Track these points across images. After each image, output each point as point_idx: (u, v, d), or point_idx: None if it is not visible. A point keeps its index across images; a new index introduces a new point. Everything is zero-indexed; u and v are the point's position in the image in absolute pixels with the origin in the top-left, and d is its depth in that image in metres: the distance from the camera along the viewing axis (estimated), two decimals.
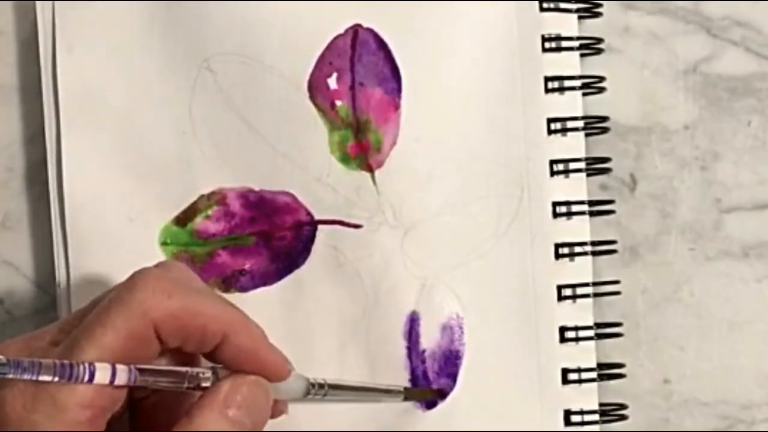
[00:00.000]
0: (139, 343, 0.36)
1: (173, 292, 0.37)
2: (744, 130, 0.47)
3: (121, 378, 0.35)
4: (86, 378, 0.34)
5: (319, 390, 0.41)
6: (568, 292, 0.46)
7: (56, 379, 0.34)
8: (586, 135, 0.47)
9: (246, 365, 0.38)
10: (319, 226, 0.46)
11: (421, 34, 0.46)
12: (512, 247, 0.46)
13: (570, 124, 0.46)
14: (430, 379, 0.46)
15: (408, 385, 0.46)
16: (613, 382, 0.47)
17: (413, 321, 0.46)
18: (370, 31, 0.46)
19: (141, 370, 0.35)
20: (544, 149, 0.46)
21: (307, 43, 0.46)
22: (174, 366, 0.37)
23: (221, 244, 0.46)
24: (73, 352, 0.35)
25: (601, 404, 0.46)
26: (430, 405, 0.46)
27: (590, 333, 0.46)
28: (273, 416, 0.41)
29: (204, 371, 0.37)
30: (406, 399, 0.45)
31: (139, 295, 0.36)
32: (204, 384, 0.37)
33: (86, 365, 0.34)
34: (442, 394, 0.46)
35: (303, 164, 0.46)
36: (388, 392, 0.45)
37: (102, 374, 0.34)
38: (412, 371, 0.46)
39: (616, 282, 0.47)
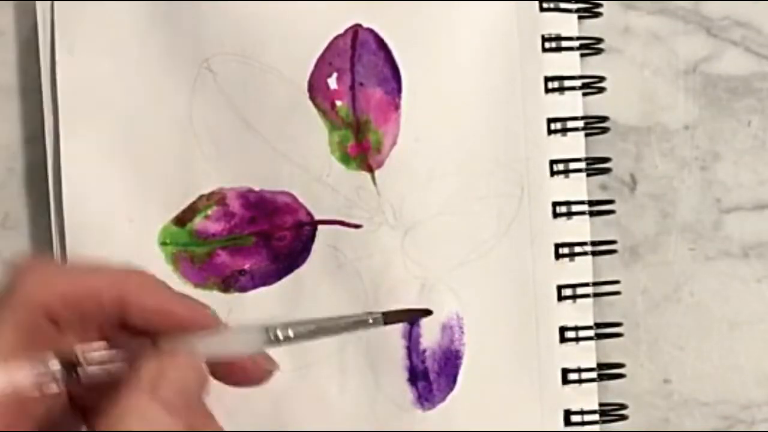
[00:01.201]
0: (32, 333, 0.34)
1: (56, 272, 0.35)
2: (744, 130, 0.47)
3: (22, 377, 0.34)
4: None
5: (283, 333, 0.37)
6: (568, 292, 0.46)
7: None
8: (586, 135, 0.47)
9: (160, 325, 0.36)
10: (319, 226, 0.46)
11: (421, 34, 0.46)
12: (512, 247, 0.46)
13: (570, 124, 0.46)
14: (431, 379, 0.46)
15: (407, 383, 0.46)
16: (613, 382, 0.47)
17: (413, 321, 0.46)
18: (370, 31, 0.46)
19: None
20: (544, 149, 0.46)
21: (307, 43, 0.46)
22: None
23: (221, 244, 0.46)
24: None
25: (601, 404, 0.46)
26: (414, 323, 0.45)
27: (590, 333, 0.46)
28: (255, 382, 0.39)
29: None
30: (387, 323, 0.39)
31: (21, 284, 0.35)
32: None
33: None
34: (427, 312, 0.42)
35: (303, 164, 0.46)
36: (363, 323, 0.39)
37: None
38: (412, 371, 0.46)
39: (616, 282, 0.47)
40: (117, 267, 0.37)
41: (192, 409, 0.36)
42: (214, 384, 0.46)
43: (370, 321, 0.39)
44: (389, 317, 0.39)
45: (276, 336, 0.37)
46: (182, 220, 0.46)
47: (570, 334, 0.46)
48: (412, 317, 0.44)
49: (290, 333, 0.37)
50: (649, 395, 0.47)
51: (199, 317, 0.37)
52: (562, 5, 0.46)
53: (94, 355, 0.35)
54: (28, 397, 0.34)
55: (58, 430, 0.36)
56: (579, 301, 0.46)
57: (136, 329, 0.36)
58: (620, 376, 0.46)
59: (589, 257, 0.46)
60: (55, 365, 0.35)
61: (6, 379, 0.33)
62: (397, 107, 0.46)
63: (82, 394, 0.37)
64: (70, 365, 0.35)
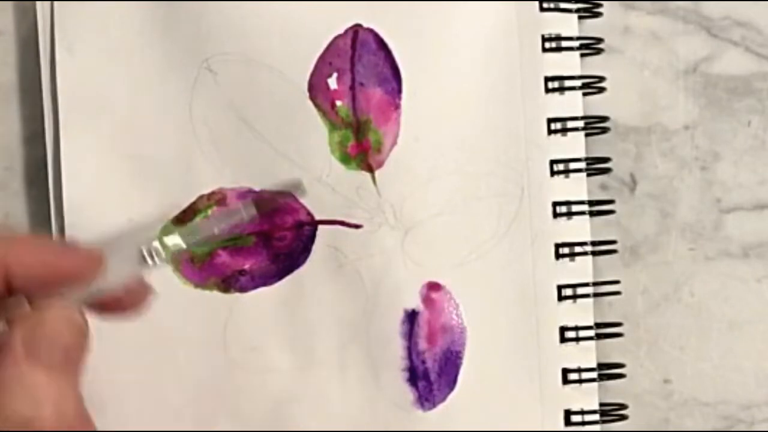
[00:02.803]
0: None
1: None
2: (744, 130, 0.47)
3: None
4: None
5: (156, 257, 0.37)
6: (568, 292, 0.46)
7: None
8: (586, 135, 0.47)
9: (49, 282, 0.35)
10: (320, 226, 0.46)
11: (421, 34, 0.46)
12: (512, 247, 0.46)
13: (570, 124, 0.46)
14: (431, 379, 0.46)
15: (407, 383, 0.46)
16: (613, 382, 0.47)
17: (413, 321, 0.46)
18: (370, 31, 0.46)
19: None
20: (544, 149, 0.46)
21: (308, 43, 0.46)
22: None
23: (221, 244, 0.46)
24: None
25: (601, 404, 0.46)
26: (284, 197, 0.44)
27: (590, 333, 0.46)
28: (133, 307, 0.38)
29: None
30: (260, 210, 0.40)
31: None
32: None
33: None
34: (298, 185, 0.43)
35: (303, 164, 0.46)
36: (234, 214, 0.40)
37: None
38: (412, 371, 0.46)
39: (616, 282, 0.47)
40: None
41: (74, 363, 0.35)
42: (214, 384, 0.46)
43: (243, 213, 0.39)
44: (260, 205, 0.40)
45: (150, 254, 0.36)
46: (182, 220, 0.46)
47: (570, 334, 0.46)
48: (280, 197, 0.43)
49: (161, 246, 0.37)
50: (649, 395, 0.47)
51: (87, 264, 0.35)
52: (562, 5, 0.46)
53: None
54: None
55: None
56: (579, 301, 0.46)
57: (24, 291, 0.35)
58: (620, 376, 0.47)
59: (589, 257, 0.46)
60: None
61: None
62: (397, 107, 0.46)
63: None
64: None
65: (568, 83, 0.46)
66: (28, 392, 0.33)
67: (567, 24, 0.47)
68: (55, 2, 0.46)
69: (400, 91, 0.46)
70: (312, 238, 0.46)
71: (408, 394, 0.46)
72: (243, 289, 0.46)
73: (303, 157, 0.46)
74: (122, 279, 0.36)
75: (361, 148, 0.46)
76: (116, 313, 0.38)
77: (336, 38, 0.46)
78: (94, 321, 0.46)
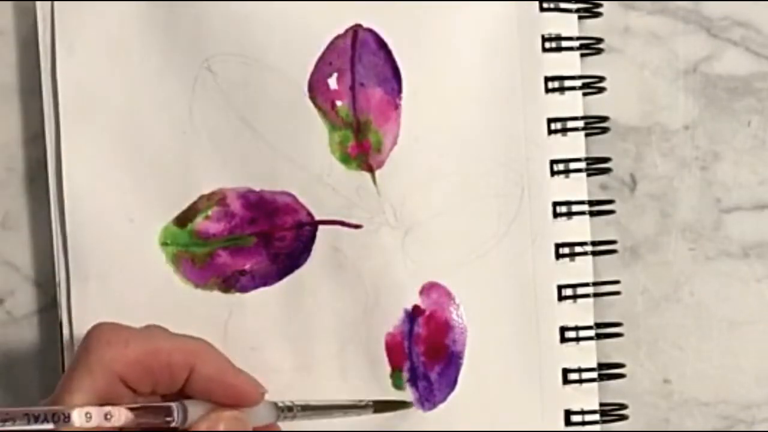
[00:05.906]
0: (109, 399, 0.36)
1: (129, 338, 0.37)
2: (744, 130, 0.47)
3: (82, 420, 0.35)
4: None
5: (288, 412, 0.42)
6: (568, 292, 0.46)
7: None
8: (586, 135, 0.47)
9: (217, 394, 0.38)
10: (320, 227, 0.46)
11: (421, 34, 0.46)
12: (512, 247, 0.46)
13: (570, 124, 0.46)
14: (431, 379, 0.46)
15: (407, 383, 0.46)
16: (613, 382, 0.47)
17: (413, 321, 0.46)
18: (370, 31, 0.46)
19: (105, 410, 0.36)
20: (544, 149, 0.46)
21: (308, 43, 0.46)
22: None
23: (221, 245, 0.46)
24: None
25: (601, 404, 0.46)
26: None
27: (590, 333, 0.46)
28: None
29: (171, 404, 0.37)
30: (376, 411, 0.45)
31: (97, 353, 0.37)
32: (171, 416, 0.37)
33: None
34: (408, 404, 0.46)
35: (303, 164, 0.46)
36: (356, 407, 0.45)
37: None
38: (413, 371, 0.46)
39: (616, 282, 0.47)
40: (182, 334, 0.40)
41: None
42: None
43: (363, 406, 0.45)
44: (378, 407, 0.45)
45: (283, 410, 0.41)
46: (183, 220, 0.46)
47: (570, 334, 0.46)
48: (398, 409, 0.46)
49: (295, 411, 0.42)
50: (649, 395, 0.47)
51: (252, 394, 0.40)
52: (562, 5, 0.46)
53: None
54: None
55: None
56: (579, 301, 0.46)
57: (193, 395, 0.39)
58: (620, 376, 0.47)
59: (589, 257, 0.46)
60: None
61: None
62: (397, 107, 0.46)
63: None
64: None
65: (568, 83, 0.46)
66: None
67: (567, 24, 0.47)
68: (55, 2, 0.46)
69: (400, 91, 0.46)
70: (312, 238, 0.46)
71: (408, 394, 0.46)
72: (243, 289, 0.46)
73: (303, 157, 0.46)
74: (258, 423, 0.40)
75: (361, 148, 0.46)
76: None
77: (336, 38, 0.46)
78: (95, 317, 0.46)
